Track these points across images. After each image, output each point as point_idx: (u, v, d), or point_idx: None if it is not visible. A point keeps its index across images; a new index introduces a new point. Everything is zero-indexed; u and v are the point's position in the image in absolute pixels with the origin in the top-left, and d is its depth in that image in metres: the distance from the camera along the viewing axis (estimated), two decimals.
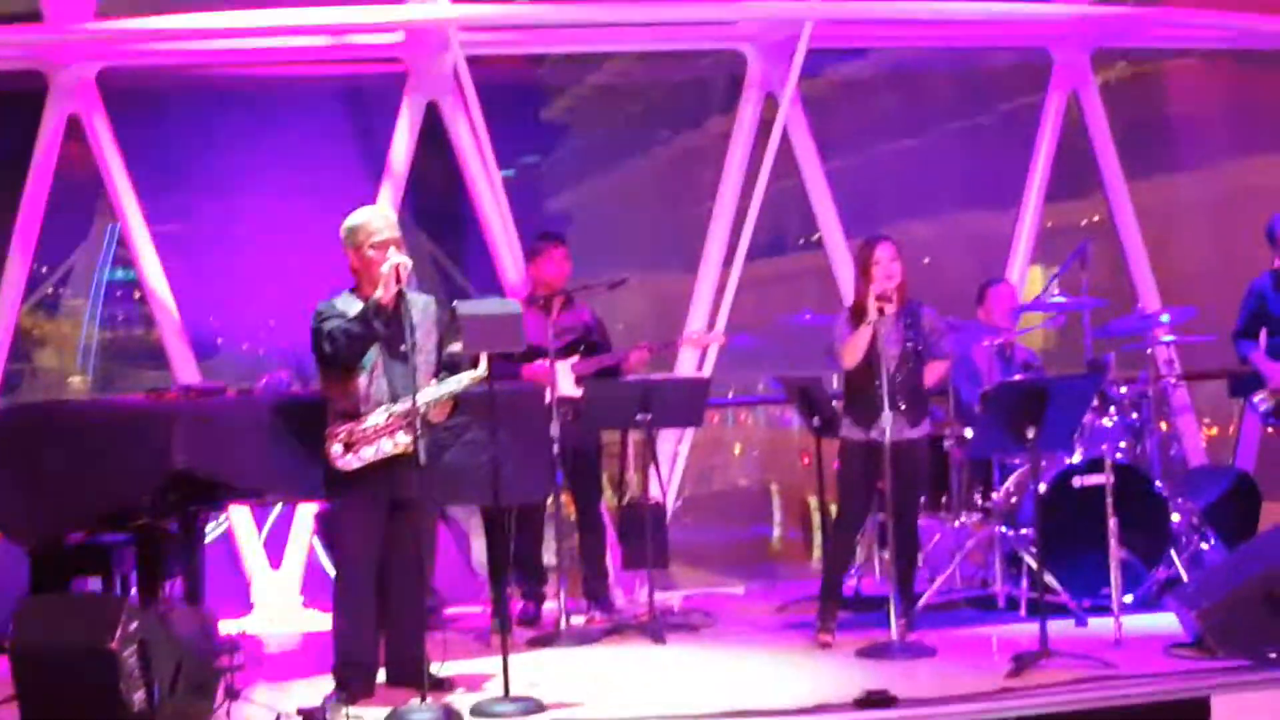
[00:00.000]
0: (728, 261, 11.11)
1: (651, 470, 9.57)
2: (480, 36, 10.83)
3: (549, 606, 9.38)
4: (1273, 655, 7.43)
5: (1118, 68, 12.64)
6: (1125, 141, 12.05)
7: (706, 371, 10.80)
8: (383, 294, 7.22)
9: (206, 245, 11.06)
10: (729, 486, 14.84)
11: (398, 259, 7.27)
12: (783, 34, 11.03)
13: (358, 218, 7.50)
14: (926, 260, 12.10)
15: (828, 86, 12.20)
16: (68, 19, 10.27)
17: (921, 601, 8.82)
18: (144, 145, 10.70)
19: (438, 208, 11.56)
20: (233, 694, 7.17)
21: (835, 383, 10.16)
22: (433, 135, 10.88)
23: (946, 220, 12.88)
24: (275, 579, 10.37)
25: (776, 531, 13.79)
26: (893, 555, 8.31)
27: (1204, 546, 9.59)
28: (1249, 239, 10.48)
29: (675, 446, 10.96)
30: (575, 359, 9.34)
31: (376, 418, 7.35)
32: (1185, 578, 9.08)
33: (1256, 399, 9.78)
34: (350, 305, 7.40)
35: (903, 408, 8.35)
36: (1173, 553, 9.25)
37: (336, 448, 7.34)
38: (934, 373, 8.61)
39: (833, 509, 8.94)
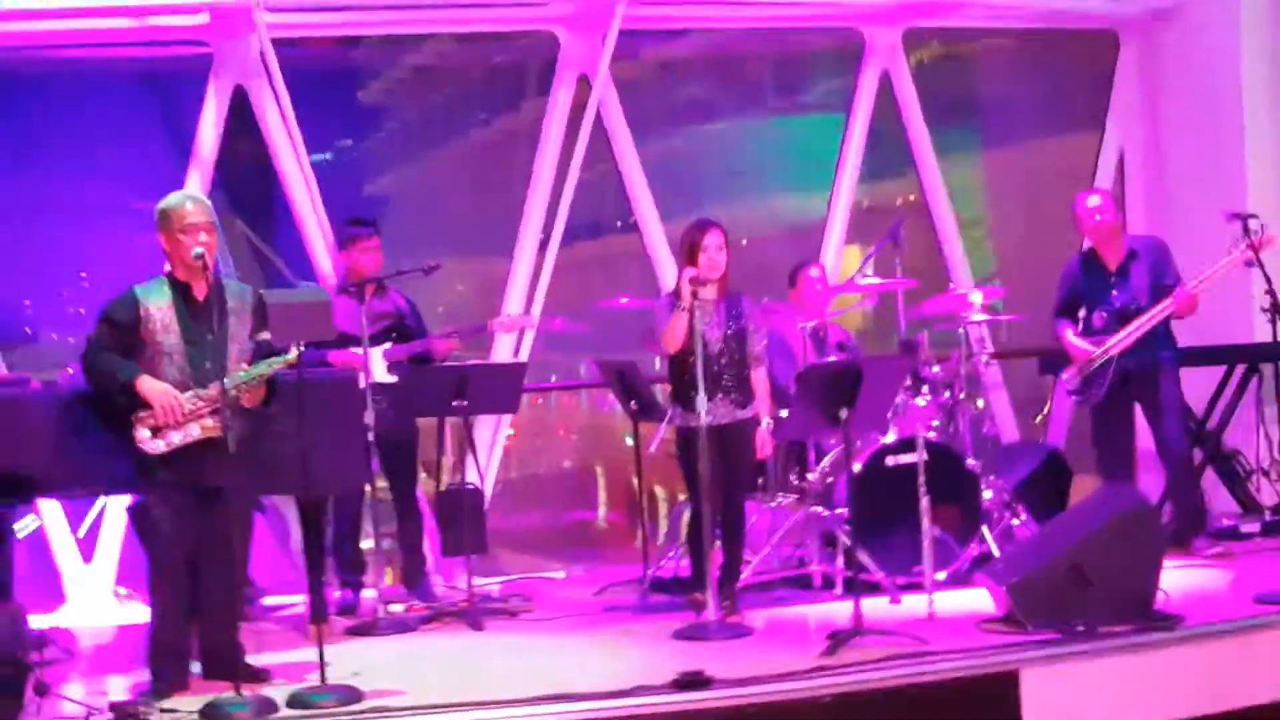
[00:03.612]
0: (544, 246, 11.08)
1: (469, 456, 9.52)
2: (288, 18, 10.62)
3: (367, 595, 9.32)
4: (1080, 628, 7.56)
5: (929, 47, 12.74)
6: (937, 121, 12.18)
7: (523, 356, 10.77)
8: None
9: (10, 231, 10.77)
10: (553, 470, 14.79)
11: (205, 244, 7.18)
12: (595, 15, 11.01)
13: (169, 202, 7.38)
14: (744, 242, 12.13)
15: (642, 68, 12.19)
16: None
17: (739, 582, 8.86)
18: None
19: (252, 193, 11.35)
20: (43, 690, 7.01)
21: (657, 366, 10.20)
22: (245, 119, 10.70)
23: (763, 203, 12.93)
24: (88, 572, 10.16)
25: (600, 514, 13.77)
26: (722, 537, 8.44)
27: (1015, 522, 9.74)
28: (1058, 219, 10.66)
29: (494, 432, 10.91)
30: (388, 345, 9.26)
31: (184, 402, 7.22)
32: (996, 553, 9.19)
33: (1065, 376, 9.94)
34: (158, 292, 7.27)
35: (729, 391, 8.41)
36: (984, 529, 9.38)
37: (144, 432, 7.17)
38: (760, 382, 8.63)
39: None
